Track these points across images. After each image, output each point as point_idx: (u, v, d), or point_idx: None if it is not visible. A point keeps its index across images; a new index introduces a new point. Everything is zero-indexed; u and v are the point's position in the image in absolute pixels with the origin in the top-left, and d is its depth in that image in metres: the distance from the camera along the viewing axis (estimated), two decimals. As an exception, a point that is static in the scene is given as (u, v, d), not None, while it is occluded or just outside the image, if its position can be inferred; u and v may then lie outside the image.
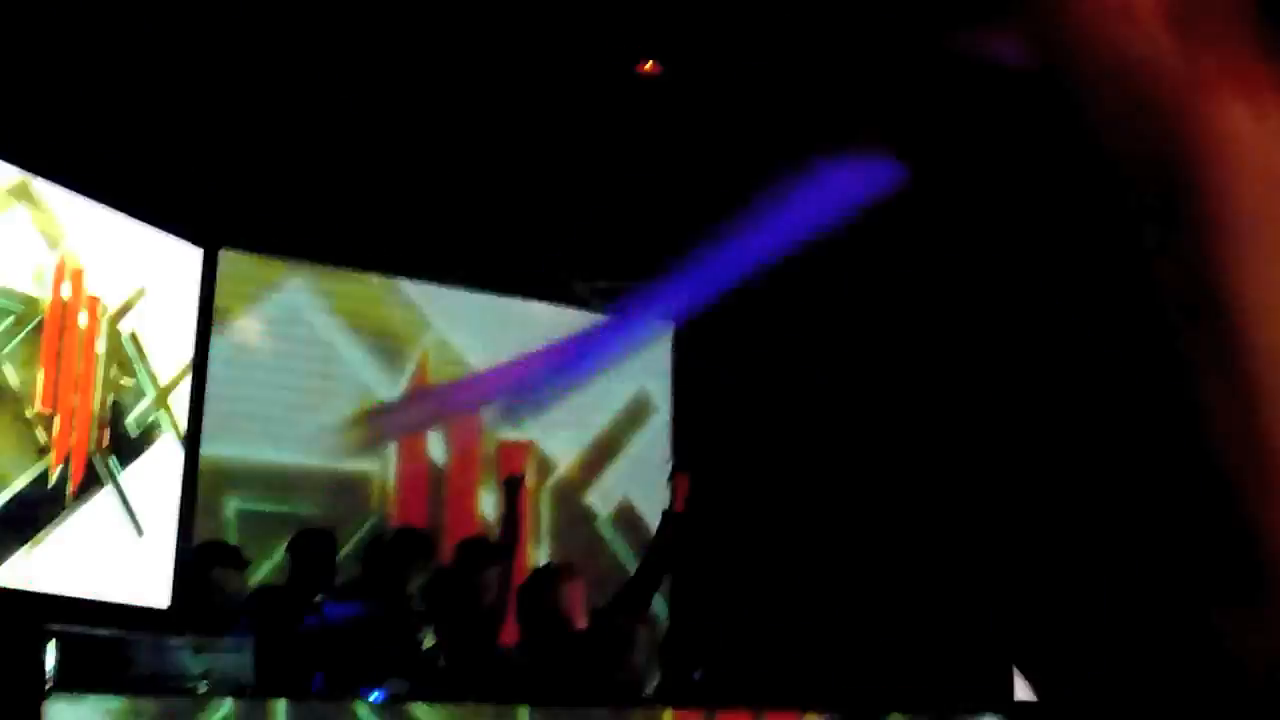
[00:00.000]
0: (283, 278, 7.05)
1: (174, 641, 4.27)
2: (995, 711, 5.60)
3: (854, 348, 8.46)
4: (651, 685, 6.22)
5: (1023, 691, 8.19)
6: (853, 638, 7.99)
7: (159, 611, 3.99)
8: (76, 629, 3.76)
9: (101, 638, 4.05)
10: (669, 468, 7.23)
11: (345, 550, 6.61)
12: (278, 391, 6.91)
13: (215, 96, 6.22)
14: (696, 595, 7.54)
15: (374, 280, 7.36)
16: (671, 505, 6.32)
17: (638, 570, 6.23)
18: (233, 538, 6.28)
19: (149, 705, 3.77)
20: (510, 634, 5.82)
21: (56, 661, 3.68)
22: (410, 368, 7.37)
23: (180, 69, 5.97)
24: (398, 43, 6.17)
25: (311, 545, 5.94)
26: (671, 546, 6.20)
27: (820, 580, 8.05)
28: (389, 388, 7.26)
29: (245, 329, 6.78)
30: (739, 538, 7.85)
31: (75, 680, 3.81)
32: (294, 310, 7.07)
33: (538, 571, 6.18)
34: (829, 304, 8.26)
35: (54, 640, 3.69)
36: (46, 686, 3.66)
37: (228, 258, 6.25)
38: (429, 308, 7.47)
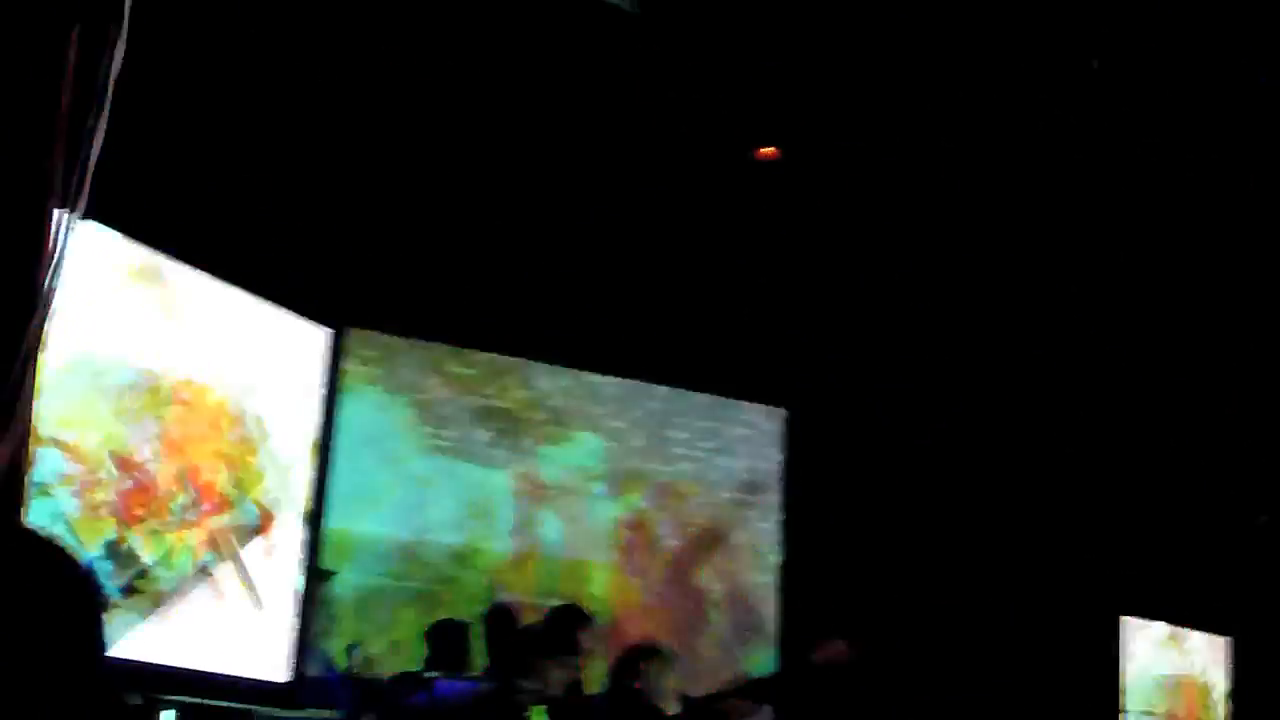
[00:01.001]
0: (406, 356, 7.18)
1: (289, 715, 4.34)
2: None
3: (967, 433, 8.39)
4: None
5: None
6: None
7: (277, 686, 4.07)
8: (194, 700, 3.85)
9: (219, 709, 4.13)
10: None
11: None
12: (396, 467, 7.02)
13: (343, 182, 6.38)
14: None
15: (496, 361, 7.46)
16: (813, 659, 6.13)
17: (758, 683, 6.11)
18: (348, 610, 6.37)
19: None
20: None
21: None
22: (530, 446, 7.44)
23: (308, 156, 6.14)
24: (524, 133, 6.29)
25: (447, 636, 5.98)
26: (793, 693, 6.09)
27: (935, 667, 7.96)
28: (507, 467, 7.33)
29: (365, 405, 6.91)
30: (851, 623, 7.79)
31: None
32: (416, 388, 7.19)
33: (630, 650, 6.08)
34: (941, 387, 8.21)
35: (172, 711, 3.78)
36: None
37: (352, 335, 6.39)
38: (549, 389, 7.55)
